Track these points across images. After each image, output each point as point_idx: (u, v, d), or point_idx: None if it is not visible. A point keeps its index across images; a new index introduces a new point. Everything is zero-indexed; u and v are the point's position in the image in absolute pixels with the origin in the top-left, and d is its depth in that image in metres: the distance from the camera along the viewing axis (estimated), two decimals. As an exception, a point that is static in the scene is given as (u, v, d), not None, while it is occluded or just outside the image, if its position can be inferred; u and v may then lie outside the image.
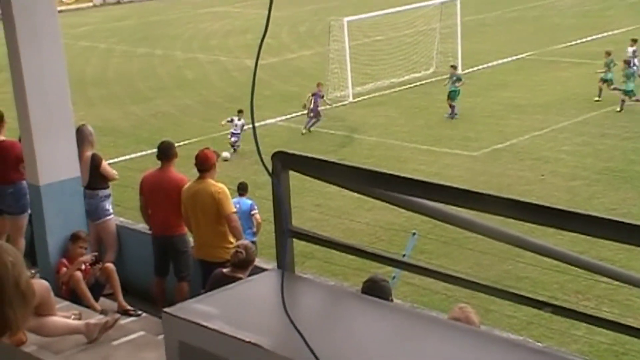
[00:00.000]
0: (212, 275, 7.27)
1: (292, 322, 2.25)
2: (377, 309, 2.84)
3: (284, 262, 2.78)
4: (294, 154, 3.05)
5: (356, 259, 12.51)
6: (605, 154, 19.84)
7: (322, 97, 24.34)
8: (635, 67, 23.97)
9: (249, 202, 12.13)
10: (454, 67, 25.33)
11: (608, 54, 24.65)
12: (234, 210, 8.58)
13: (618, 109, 22.96)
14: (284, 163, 2.97)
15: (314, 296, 2.84)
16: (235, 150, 21.18)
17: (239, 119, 21.42)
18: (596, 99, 24.05)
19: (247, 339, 2.41)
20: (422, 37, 31.00)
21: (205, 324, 2.51)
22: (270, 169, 2.91)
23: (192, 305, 2.70)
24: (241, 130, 21.45)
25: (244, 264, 7.11)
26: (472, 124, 23.40)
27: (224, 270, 7.21)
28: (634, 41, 26.48)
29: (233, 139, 21.43)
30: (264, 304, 2.49)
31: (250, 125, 20.87)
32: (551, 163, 19.50)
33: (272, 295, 2.41)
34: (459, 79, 24.43)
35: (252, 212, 11.97)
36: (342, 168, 3.03)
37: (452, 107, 23.89)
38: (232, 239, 8.32)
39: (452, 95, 23.98)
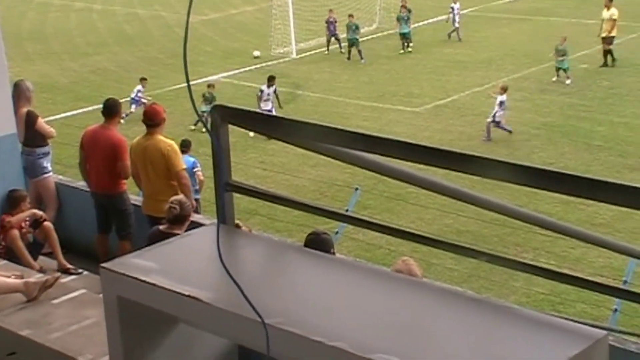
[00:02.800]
0: (149, 233, 7.18)
1: (229, 274, 2.25)
2: (318, 262, 2.85)
3: (221, 215, 2.77)
4: (233, 107, 3.02)
5: (300, 216, 12.58)
6: (544, 109, 20.14)
7: (336, 22, 26.75)
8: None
9: (192, 159, 12.01)
10: (351, 16, 27.06)
11: (408, 10, 27.13)
12: (184, 167, 8.52)
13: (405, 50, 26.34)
14: (223, 117, 2.94)
15: (255, 249, 2.83)
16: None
17: (143, 87, 21.06)
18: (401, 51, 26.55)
19: (186, 293, 2.40)
20: (362, -8, 30.91)
21: (143, 278, 2.50)
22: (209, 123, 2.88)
23: (130, 260, 2.68)
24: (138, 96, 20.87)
25: (179, 220, 7.03)
26: (415, 80, 23.50)
27: (161, 227, 7.12)
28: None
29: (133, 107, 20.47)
30: (203, 258, 2.48)
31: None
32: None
33: (210, 249, 2.40)
34: (357, 27, 26.38)
35: (195, 170, 11.88)
36: (282, 121, 3.02)
37: (359, 52, 25.89)
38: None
39: (354, 43, 26.09)
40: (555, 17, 29.84)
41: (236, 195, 3.08)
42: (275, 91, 19.82)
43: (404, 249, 11.95)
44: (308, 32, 28.26)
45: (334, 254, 5.59)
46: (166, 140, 8.36)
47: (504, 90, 18.66)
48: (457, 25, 27.31)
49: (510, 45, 26.37)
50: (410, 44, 26.38)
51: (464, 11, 31.28)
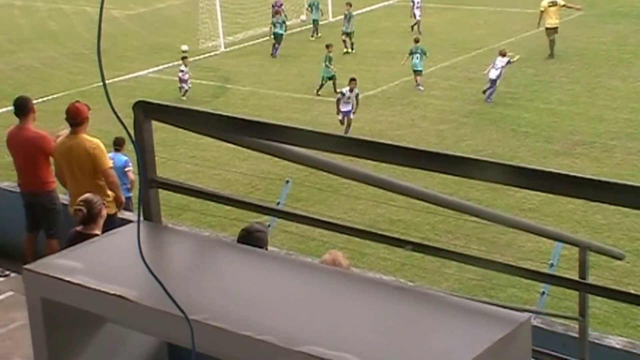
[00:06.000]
0: (68, 235, 7.04)
1: (149, 270, 2.23)
2: (246, 256, 2.85)
3: (147, 212, 2.75)
4: (155, 103, 2.99)
5: (233, 209, 12.51)
6: (472, 97, 20.45)
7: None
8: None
9: (124, 158, 11.88)
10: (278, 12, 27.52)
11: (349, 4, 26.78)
12: (110, 165, 8.43)
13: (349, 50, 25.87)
14: (146, 113, 2.90)
15: (182, 246, 2.81)
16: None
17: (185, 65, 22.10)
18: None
19: (112, 292, 2.37)
20: (293, -15, 30.89)
21: (68, 278, 2.45)
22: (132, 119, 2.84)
23: (54, 261, 2.63)
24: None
25: (90, 219, 6.81)
26: (344, 72, 23.51)
27: (78, 228, 6.96)
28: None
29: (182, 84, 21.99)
30: (128, 256, 2.44)
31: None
32: (420, 108, 19.95)
33: (136, 247, 2.38)
34: (284, 22, 26.87)
35: (127, 169, 11.76)
36: (206, 116, 3.00)
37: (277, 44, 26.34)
38: (109, 193, 8.22)
39: (277, 38, 26.27)
40: (480, 5, 30.26)
41: (168, 191, 3.06)
42: (357, 96, 18.78)
43: (337, 240, 11.99)
44: (236, 26, 28.15)
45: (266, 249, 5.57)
46: (91, 140, 8.25)
47: (502, 54, 20.23)
48: (418, 18, 27.18)
49: (437, 34, 26.67)
50: (353, 46, 25.86)
51: (390, 2, 31.57)
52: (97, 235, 6.27)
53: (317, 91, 21.45)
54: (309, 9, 27.89)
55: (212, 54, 26.46)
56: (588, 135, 17.43)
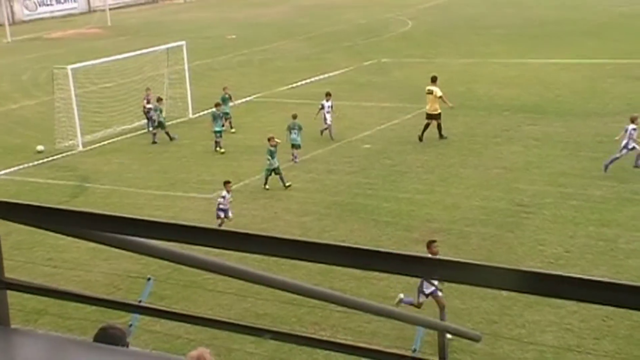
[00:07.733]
0: None
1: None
2: (103, 355, 2.76)
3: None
4: (2, 201, 2.90)
5: (94, 311, 12.08)
6: (333, 188, 20.85)
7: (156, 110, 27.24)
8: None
9: None
10: (159, 100, 27.73)
11: (225, 87, 28.59)
12: None
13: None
14: (-7, 211, 2.80)
15: (32, 348, 2.70)
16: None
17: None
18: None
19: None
20: (151, 82, 30.93)
21: None
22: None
23: None
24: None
25: None
26: (206, 167, 23.64)
27: None
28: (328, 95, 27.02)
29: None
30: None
31: None
32: (283, 201, 20.16)
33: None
34: (160, 110, 27.22)
35: None
36: (56, 212, 2.92)
37: (167, 134, 26.87)
38: None
39: (161, 125, 27.06)
40: (336, 100, 31.16)
41: (24, 295, 2.94)
42: None
43: (203, 336, 11.80)
44: (94, 124, 27.81)
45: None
46: None
47: (632, 120, 21.25)
48: (329, 123, 25.88)
49: (297, 128, 27.20)
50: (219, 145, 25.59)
51: (250, 97, 32.09)
52: None
53: (265, 185, 21.34)
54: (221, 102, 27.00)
55: (69, 153, 25.96)
56: (445, 223, 18.03)
